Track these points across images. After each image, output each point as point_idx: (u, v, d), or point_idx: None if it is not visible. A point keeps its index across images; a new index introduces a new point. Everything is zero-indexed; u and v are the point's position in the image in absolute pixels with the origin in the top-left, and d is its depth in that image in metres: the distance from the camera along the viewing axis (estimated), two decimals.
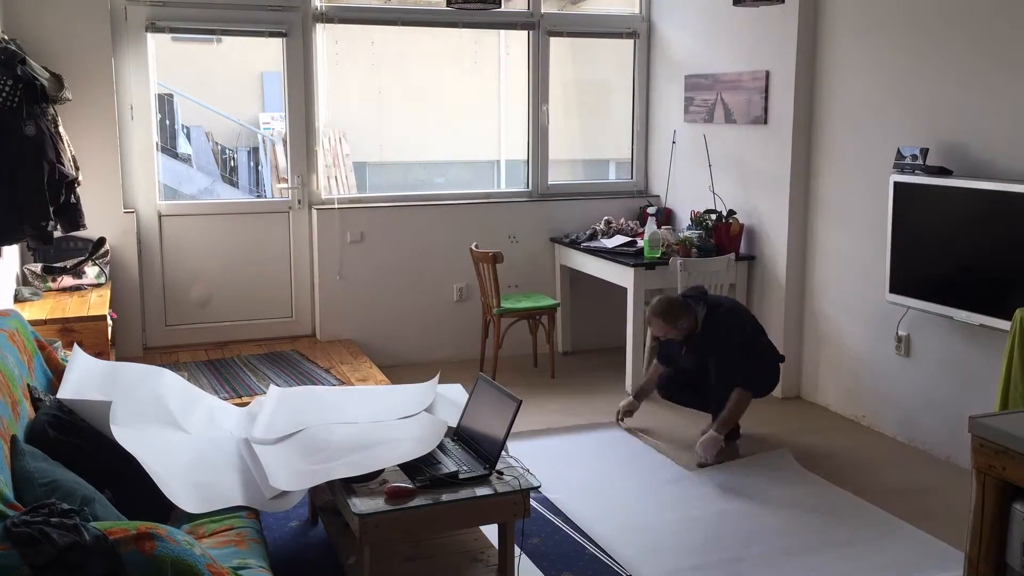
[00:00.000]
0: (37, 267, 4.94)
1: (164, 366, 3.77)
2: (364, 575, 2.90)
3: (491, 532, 3.30)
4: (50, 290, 4.85)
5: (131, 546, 1.95)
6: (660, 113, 6.38)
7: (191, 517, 2.78)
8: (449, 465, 3.05)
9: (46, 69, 4.40)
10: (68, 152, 4.32)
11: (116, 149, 5.29)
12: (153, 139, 5.56)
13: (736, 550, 3.56)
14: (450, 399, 3.61)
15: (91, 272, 5.02)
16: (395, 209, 5.98)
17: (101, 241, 5.18)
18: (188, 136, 9.22)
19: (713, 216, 5.62)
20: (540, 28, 6.22)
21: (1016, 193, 3.85)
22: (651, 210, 5.69)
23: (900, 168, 4.41)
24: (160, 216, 5.61)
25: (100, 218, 5.13)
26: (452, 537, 3.35)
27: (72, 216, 4.29)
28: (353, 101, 6.33)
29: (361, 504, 2.84)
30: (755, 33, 5.39)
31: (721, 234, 5.53)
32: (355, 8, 5.90)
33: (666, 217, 6.22)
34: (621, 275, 5.49)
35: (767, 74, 5.31)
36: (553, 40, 6.28)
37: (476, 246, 5.65)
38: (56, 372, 3.36)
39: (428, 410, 3.49)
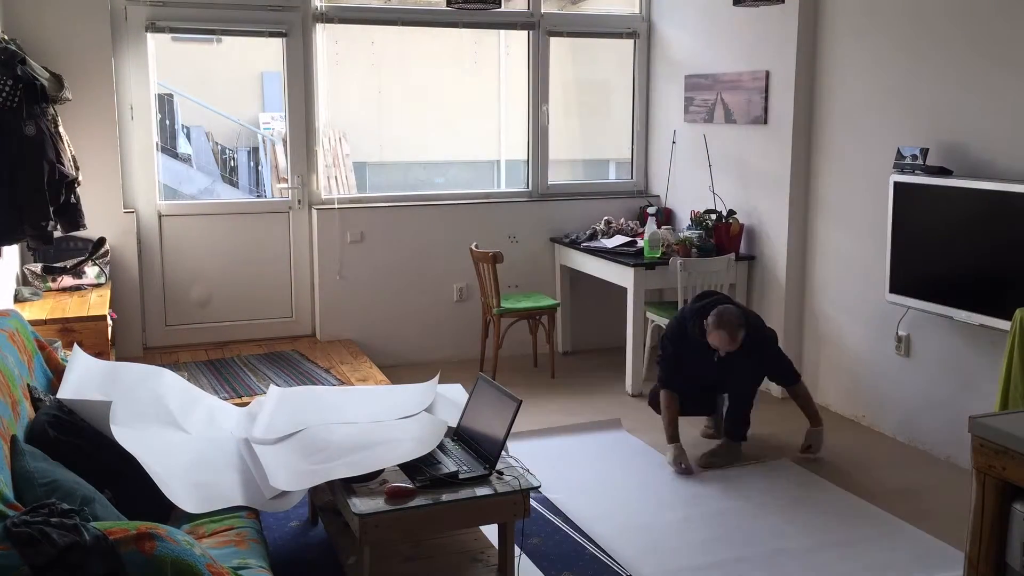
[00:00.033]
0: (37, 267, 4.94)
1: (164, 366, 3.77)
2: (364, 575, 2.90)
3: (491, 532, 3.30)
4: (50, 290, 4.84)
5: (131, 546, 1.95)
6: (660, 113, 6.38)
7: (191, 517, 2.78)
8: (449, 465, 3.05)
9: (46, 69, 4.40)
10: (68, 152, 4.32)
11: (116, 149, 5.29)
12: (153, 139, 5.56)
13: (736, 550, 3.56)
14: (450, 399, 3.61)
15: (91, 272, 5.02)
16: (395, 209, 5.98)
17: (101, 241, 5.18)
18: (188, 136, 9.21)
19: (713, 216, 5.62)
20: (540, 28, 6.22)
21: (1016, 193, 3.85)
22: (651, 210, 5.69)
23: (900, 168, 4.41)
24: (160, 216, 5.61)
25: (100, 218, 5.14)
26: (452, 537, 3.35)
27: (72, 216, 4.29)
28: (353, 101, 6.33)
29: (361, 504, 2.84)
30: (755, 33, 5.39)
31: (721, 234, 5.53)
32: (355, 8, 5.90)
33: (666, 217, 6.21)
34: (621, 275, 5.49)
35: (767, 74, 5.31)
36: (553, 40, 6.27)
37: (476, 246, 5.65)
38: (56, 372, 3.36)
39: (428, 410, 3.49)
